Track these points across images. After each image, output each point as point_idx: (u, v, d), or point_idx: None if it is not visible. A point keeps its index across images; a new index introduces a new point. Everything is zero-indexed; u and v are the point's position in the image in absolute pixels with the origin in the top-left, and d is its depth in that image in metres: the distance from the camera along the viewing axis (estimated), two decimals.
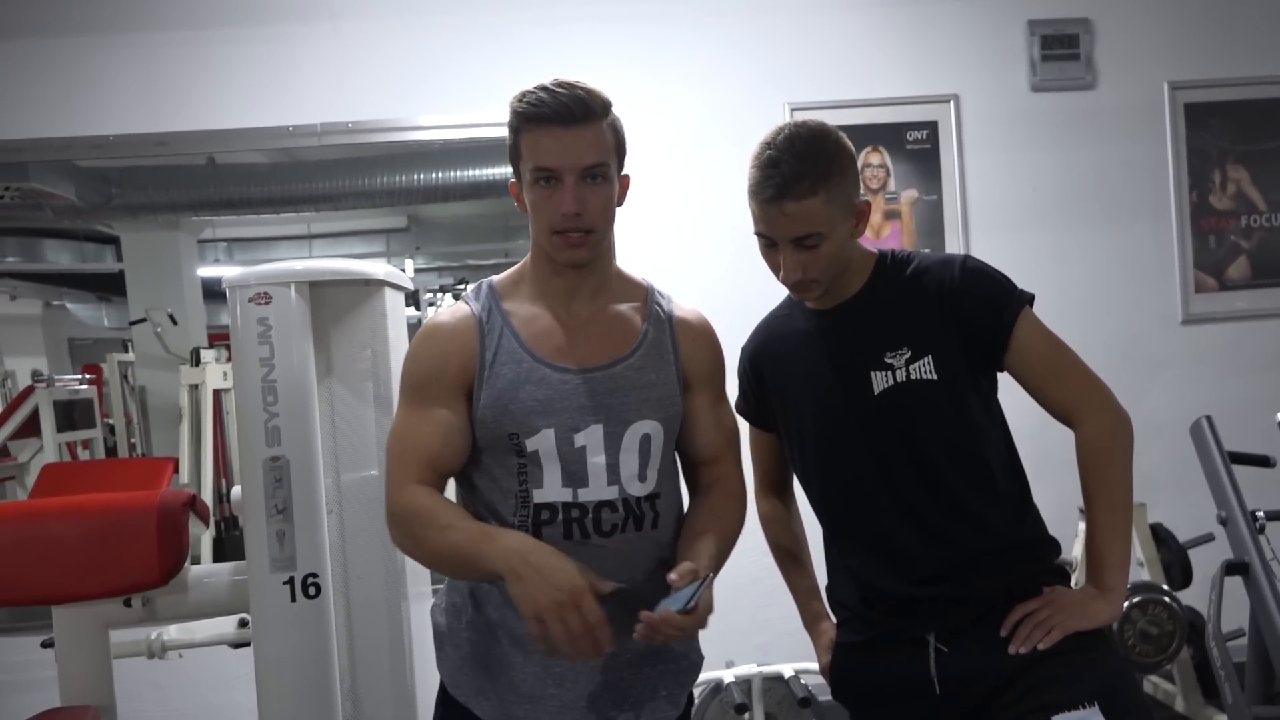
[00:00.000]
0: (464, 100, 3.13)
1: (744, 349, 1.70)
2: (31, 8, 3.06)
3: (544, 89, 1.36)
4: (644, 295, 1.50)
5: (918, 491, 1.49)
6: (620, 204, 1.43)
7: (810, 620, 1.71)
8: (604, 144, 1.37)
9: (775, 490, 1.77)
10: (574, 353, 1.40)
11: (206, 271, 5.46)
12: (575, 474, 1.37)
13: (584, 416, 1.38)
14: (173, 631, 2.34)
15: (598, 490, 1.37)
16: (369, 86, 3.09)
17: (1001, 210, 3.28)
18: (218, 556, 4.06)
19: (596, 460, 1.38)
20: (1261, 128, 3.33)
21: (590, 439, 1.38)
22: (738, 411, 1.71)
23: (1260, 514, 2.44)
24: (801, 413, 1.58)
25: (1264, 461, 2.58)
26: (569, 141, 1.34)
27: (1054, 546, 1.55)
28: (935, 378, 1.46)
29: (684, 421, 1.49)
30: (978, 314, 1.46)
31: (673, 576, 1.30)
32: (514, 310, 1.43)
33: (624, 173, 1.44)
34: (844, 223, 1.46)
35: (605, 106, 1.38)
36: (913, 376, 1.47)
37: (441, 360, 1.39)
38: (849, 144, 1.48)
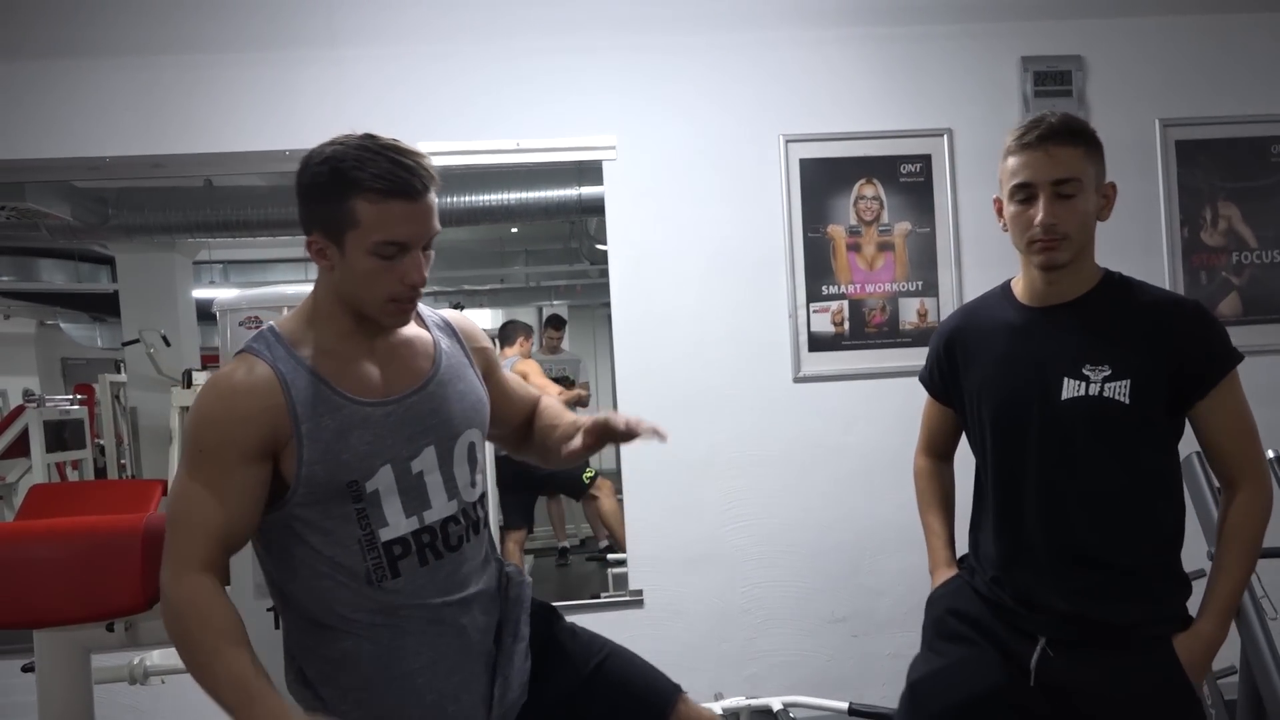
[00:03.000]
0: (461, 127, 3.15)
1: (940, 328, 1.78)
2: (30, 29, 3.07)
3: (384, 158, 1.30)
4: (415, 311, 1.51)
5: (1072, 502, 1.54)
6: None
7: (935, 564, 1.79)
8: (437, 208, 1.36)
9: (935, 453, 1.86)
10: (387, 385, 1.40)
11: (202, 293, 5.46)
12: (417, 499, 1.40)
13: (415, 443, 1.40)
14: (155, 657, 2.32)
15: (440, 508, 1.42)
16: (366, 112, 3.10)
17: (994, 244, 3.27)
18: None
19: (434, 480, 1.41)
20: (1252, 165, 3.36)
21: (425, 462, 1.41)
22: (921, 383, 1.82)
23: None
24: (985, 398, 1.64)
25: None
26: (419, 215, 1.32)
27: (1186, 589, 1.61)
28: (1127, 402, 1.51)
29: (501, 401, 1.59)
30: (1197, 354, 1.52)
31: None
32: (312, 356, 1.37)
33: None
34: (1096, 191, 1.55)
35: (437, 170, 1.35)
36: (1105, 394, 1.51)
37: (243, 422, 1.31)
38: None
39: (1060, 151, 1.50)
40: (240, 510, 1.32)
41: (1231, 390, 1.54)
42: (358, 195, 1.29)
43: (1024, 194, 1.54)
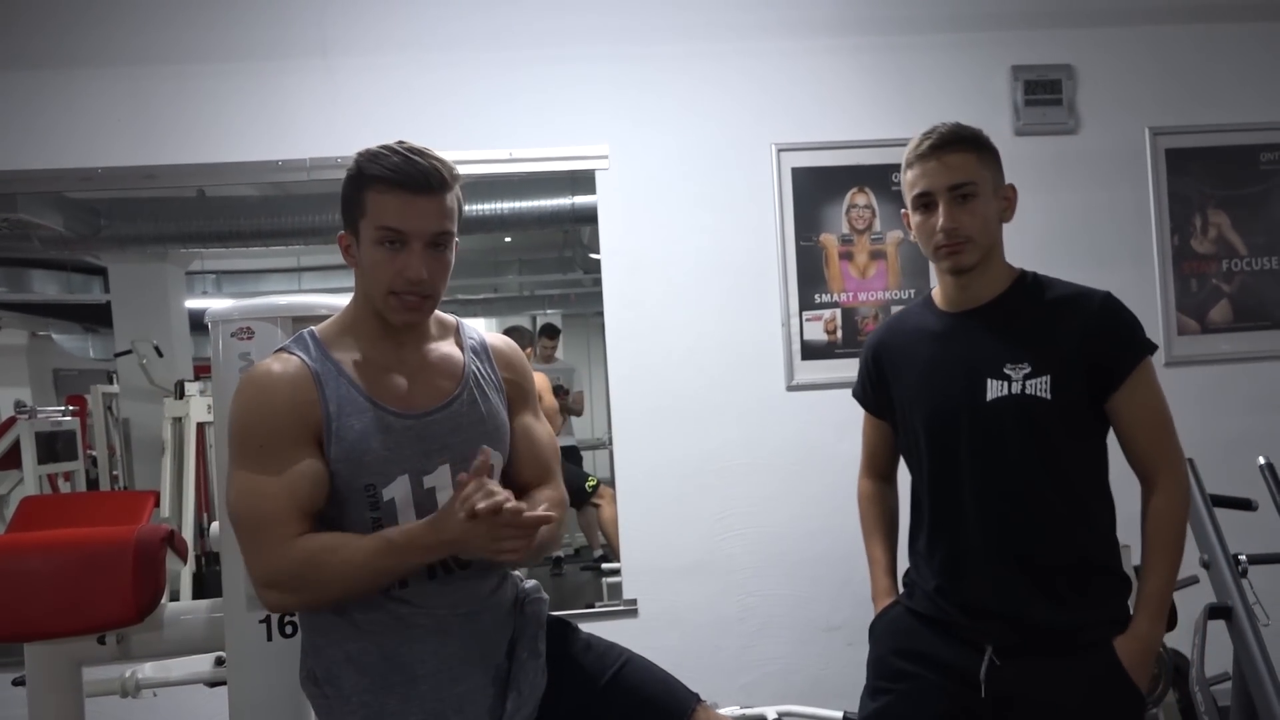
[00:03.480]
0: (454, 137, 3.14)
1: (868, 340, 1.81)
2: (22, 39, 3.07)
3: (398, 154, 1.37)
4: (455, 330, 1.55)
5: (1004, 502, 1.56)
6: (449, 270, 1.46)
7: (877, 593, 1.80)
8: (449, 213, 1.41)
9: (878, 474, 1.87)
10: (411, 398, 1.43)
11: (194, 303, 5.46)
12: (428, 514, 1.39)
13: (431, 459, 1.42)
14: (147, 670, 2.30)
15: None
16: (358, 123, 3.11)
17: None
18: (198, 592, 4.02)
19: (446, 497, 1.41)
20: (1242, 173, 3.37)
21: (439, 479, 1.43)
22: (855, 398, 1.85)
23: (1243, 557, 2.43)
24: (915, 406, 1.66)
25: (1246, 504, 2.58)
26: (420, 208, 1.37)
27: (1125, 587, 1.60)
28: (1049, 398, 1.52)
29: (513, 441, 1.54)
30: (1106, 346, 1.54)
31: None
32: (345, 360, 1.42)
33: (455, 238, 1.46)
34: (994, 194, 1.58)
35: (455, 177, 1.42)
36: (1027, 392, 1.53)
37: (285, 410, 1.36)
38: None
39: (952, 158, 1.55)
40: (301, 488, 1.34)
41: (1145, 382, 1.55)
42: (370, 186, 1.38)
43: (924, 202, 1.58)
